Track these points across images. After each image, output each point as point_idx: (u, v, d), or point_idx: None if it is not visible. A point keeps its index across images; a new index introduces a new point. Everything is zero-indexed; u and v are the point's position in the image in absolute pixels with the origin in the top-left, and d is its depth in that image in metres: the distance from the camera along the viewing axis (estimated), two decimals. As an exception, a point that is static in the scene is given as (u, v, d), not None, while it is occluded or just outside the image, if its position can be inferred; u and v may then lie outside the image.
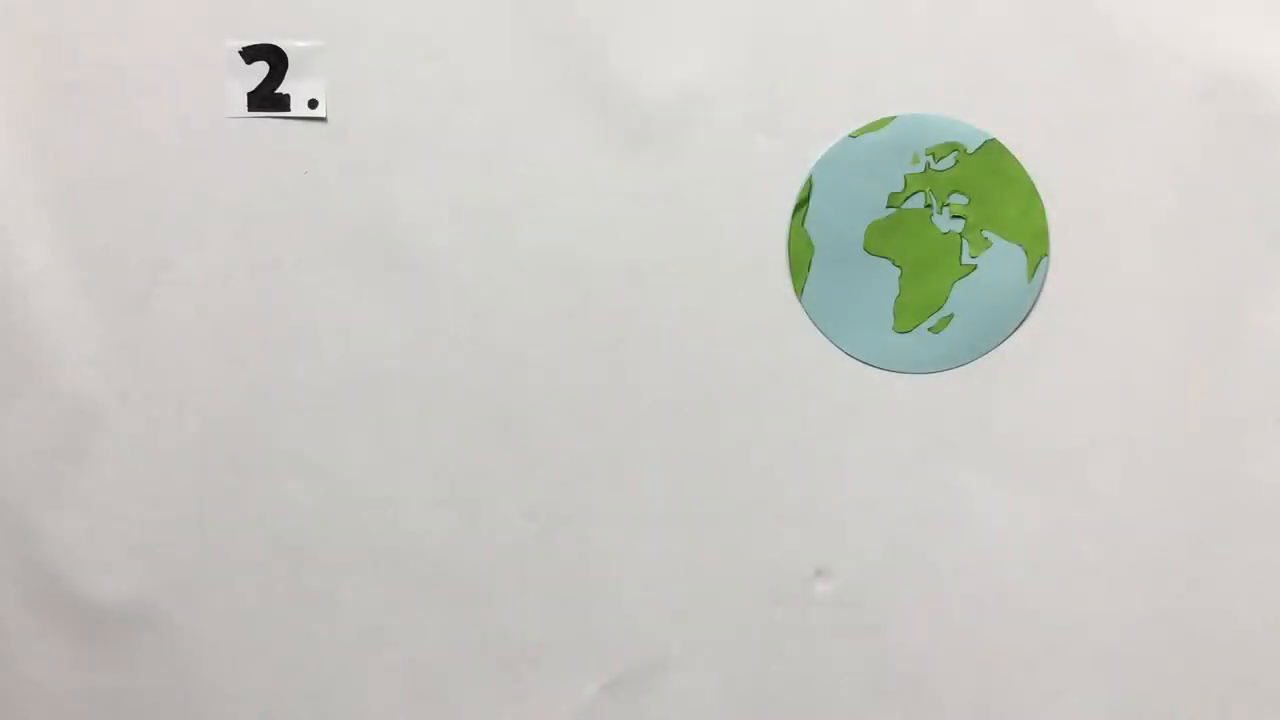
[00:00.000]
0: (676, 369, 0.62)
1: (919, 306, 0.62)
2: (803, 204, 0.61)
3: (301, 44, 0.62)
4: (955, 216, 0.61)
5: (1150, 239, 0.61)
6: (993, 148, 0.61)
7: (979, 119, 0.61)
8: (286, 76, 0.62)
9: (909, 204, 0.61)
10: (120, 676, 0.64)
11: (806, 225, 0.61)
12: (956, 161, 0.61)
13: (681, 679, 0.63)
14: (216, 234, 0.63)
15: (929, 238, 0.61)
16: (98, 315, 0.63)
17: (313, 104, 0.62)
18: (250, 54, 0.62)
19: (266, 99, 0.62)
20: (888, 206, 0.61)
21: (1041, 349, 0.61)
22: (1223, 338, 0.61)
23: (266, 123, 0.62)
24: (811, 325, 0.62)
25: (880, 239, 0.61)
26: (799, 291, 0.62)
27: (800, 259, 0.62)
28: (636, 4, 0.61)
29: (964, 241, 0.61)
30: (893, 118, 0.61)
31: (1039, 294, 0.61)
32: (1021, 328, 0.61)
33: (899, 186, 0.61)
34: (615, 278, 0.62)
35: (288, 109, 0.62)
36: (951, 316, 0.61)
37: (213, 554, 0.63)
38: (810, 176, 0.61)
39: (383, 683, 0.64)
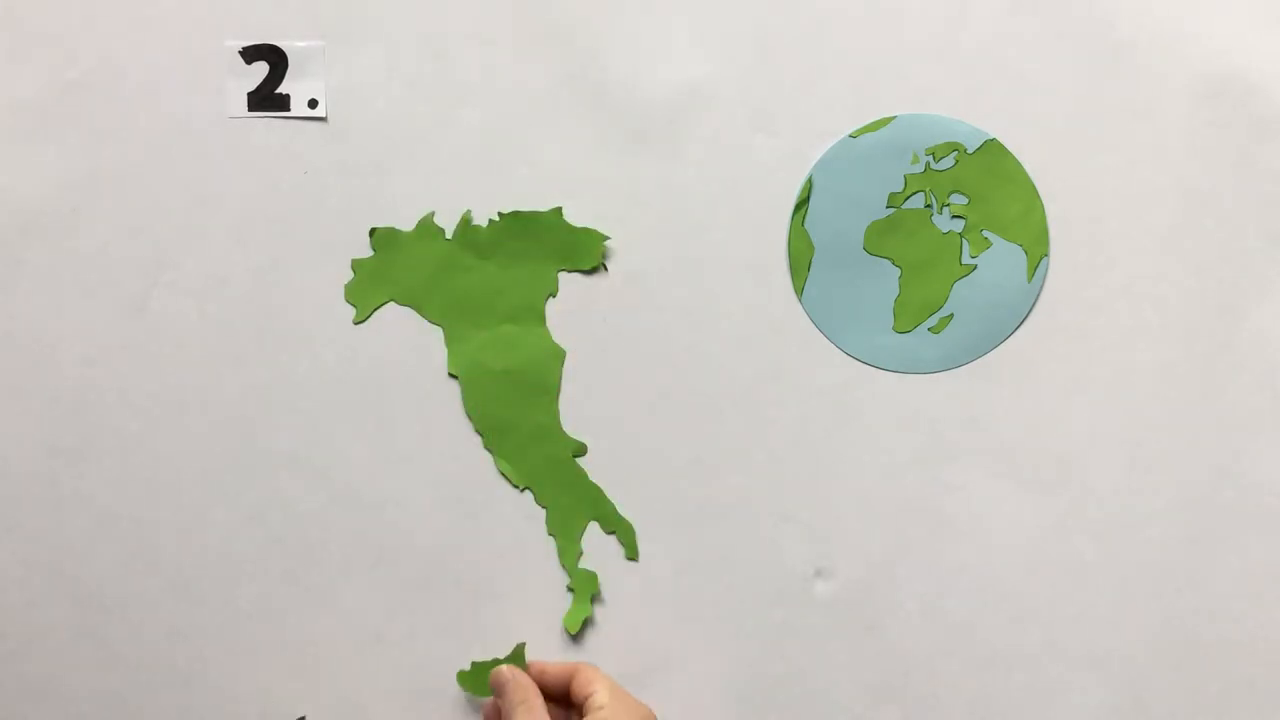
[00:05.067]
0: (676, 369, 0.62)
1: (919, 306, 0.62)
2: (803, 204, 0.61)
3: (301, 44, 0.62)
4: (955, 216, 0.61)
5: (1150, 239, 0.61)
6: (993, 148, 0.61)
7: (979, 119, 0.61)
8: (286, 76, 0.62)
9: (909, 204, 0.61)
10: (120, 676, 0.64)
11: (806, 225, 0.61)
12: (956, 161, 0.61)
13: (681, 679, 0.63)
14: (216, 234, 0.63)
15: (929, 238, 0.61)
16: (98, 315, 0.63)
17: (313, 104, 0.62)
18: (250, 54, 0.62)
19: (266, 99, 0.62)
20: (888, 206, 0.61)
21: (1041, 349, 0.61)
22: (1223, 338, 0.61)
23: (266, 123, 0.62)
24: (811, 325, 0.62)
25: (880, 239, 0.61)
26: (799, 291, 0.62)
27: (800, 259, 0.62)
28: (637, 4, 0.61)
29: (964, 241, 0.61)
30: (893, 118, 0.61)
31: (1039, 294, 0.61)
32: (1021, 328, 0.61)
33: (899, 186, 0.61)
34: (615, 278, 0.62)
35: (288, 109, 0.62)
36: (951, 316, 0.61)
37: (213, 554, 0.63)
38: (810, 176, 0.61)
39: (382, 682, 0.64)
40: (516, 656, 0.62)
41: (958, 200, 0.61)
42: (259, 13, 0.62)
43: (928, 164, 0.61)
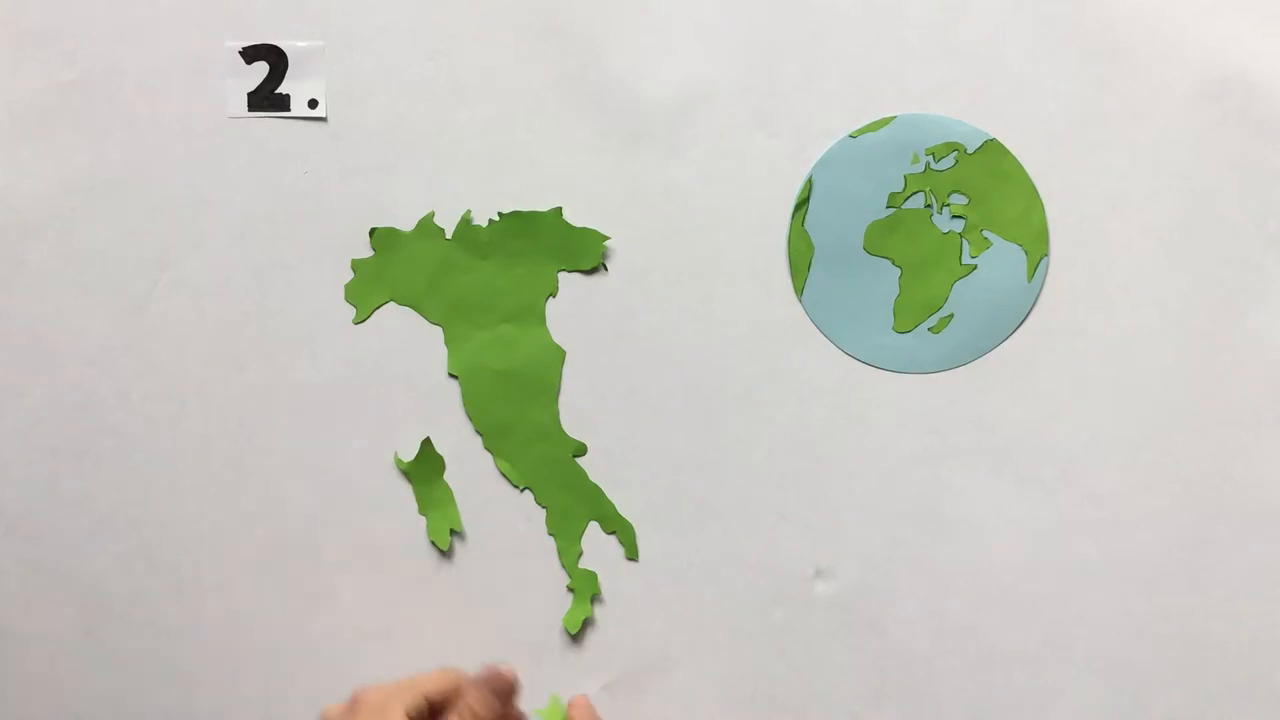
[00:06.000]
0: (676, 369, 0.62)
1: (919, 306, 0.62)
2: (803, 204, 0.61)
3: (301, 44, 0.62)
4: (955, 216, 0.61)
5: (1150, 239, 0.61)
6: (993, 148, 0.61)
7: (979, 119, 0.61)
8: (286, 76, 0.62)
9: (909, 204, 0.61)
10: (120, 676, 0.64)
11: (806, 225, 0.61)
12: (956, 161, 0.61)
13: (681, 679, 0.63)
14: (216, 234, 0.63)
15: (929, 238, 0.61)
16: (98, 315, 0.63)
17: (313, 104, 0.62)
18: (250, 54, 0.62)
19: (266, 99, 0.62)
20: (888, 206, 0.61)
21: (1041, 349, 0.61)
22: (1223, 338, 0.61)
23: (266, 123, 0.62)
24: (811, 325, 0.62)
25: (880, 239, 0.61)
26: (799, 291, 0.62)
27: (800, 259, 0.62)
28: (637, 4, 0.61)
29: (964, 241, 0.61)
30: (893, 118, 0.61)
31: (1039, 294, 0.61)
32: (1021, 328, 0.61)
33: (899, 186, 0.61)
34: (615, 277, 0.62)
35: (288, 109, 0.62)
36: (951, 316, 0.61)
37: (213, 554, 0.63)
38: (810, 176, 0.61)
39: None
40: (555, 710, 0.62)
41: (958, 200, 0.61)
42: (259, 13, 0.62)
43: (928, 164, 0.61)
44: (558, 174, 0.62)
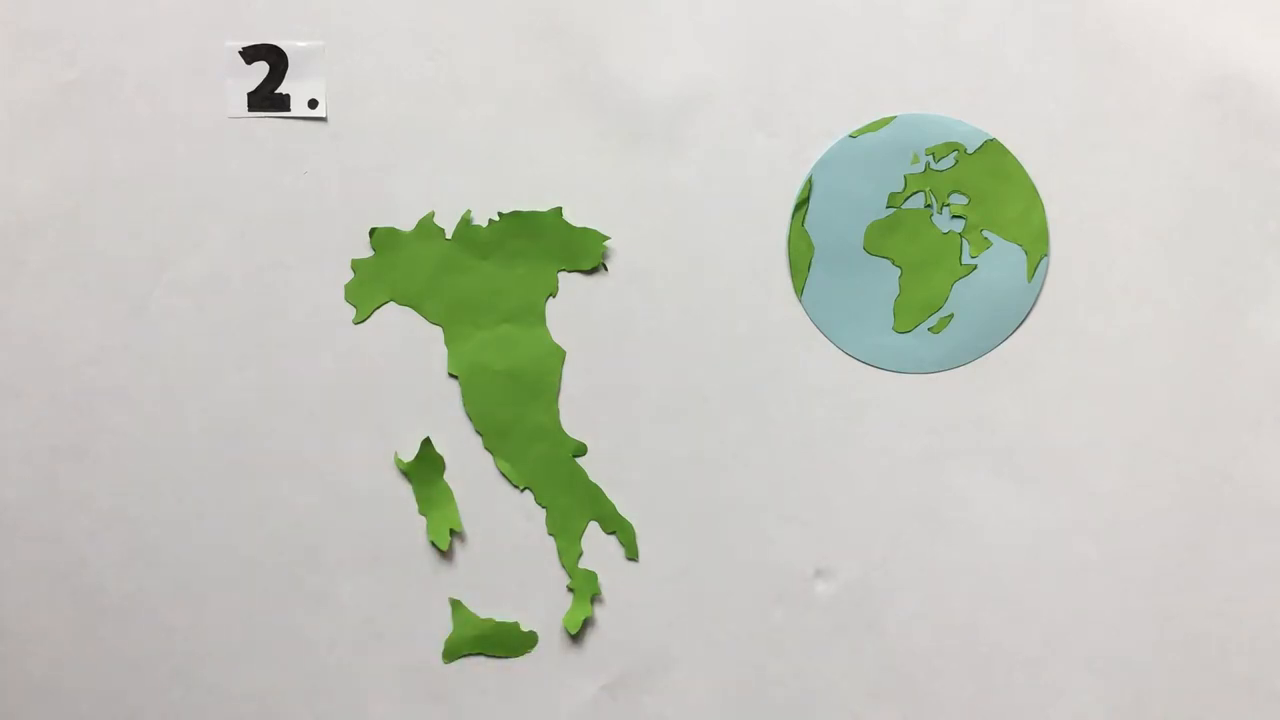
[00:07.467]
0: (676, 369, 0.62)
1: (919, 306, 0.62)
2: (803, 204, 0.61)
3: (301, 44, 0.62)
4: (955, 216, 0.61)
5: (1150, 239, 0.61)
6: (993, 148, 0.61)
7: (979, 119, 0.61)
8: (286, 76, 0.62)
9: (909, 204, 0.61)
10: (120, 676, 0.64)
11: (806, 225, 0.61)
12: (956, 161, 0.61)
13: (681, 679, 0.63)
14: (216, 234, 0.63)
15: (929, 238, 0.61)
16: (98, 315, 0.63)
17: (313, 104, 0.62)
18: (250, 54, 0.62)
19: (266, 99, 0.62)
20: (888, 206, 0.61)
21: (1041, 349, 0.61)
22: (1223, 338, 0.61)
23: (266, 123, 0.62)
24: (811, 325, 0.62)
25: (880, 239, 0.61)
26: (799, 291, 0.62)
27: (800, 259, 0.62)
28: (636, 4, 0.61)
29: (964, 241, 0.61)
30: (893, 118, 0.61)
31: (1039, 294, 0.61)
32: (1021, 328, 0.61)
33: (899, 186, 0.61)
34: (615, 278, 0.62)
35: (288, 109, 0.62)
36: (951, 316, 0.62)
37: (213, 554, 0.63)
38: (810, 176, 0.61)
39: (383, 683, 0.64)
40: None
41: (958, 200, 0.61)
42: (259, 13, 0.62)
43: (928, 164, 0.61)
44: (558, 174, 0.62)
